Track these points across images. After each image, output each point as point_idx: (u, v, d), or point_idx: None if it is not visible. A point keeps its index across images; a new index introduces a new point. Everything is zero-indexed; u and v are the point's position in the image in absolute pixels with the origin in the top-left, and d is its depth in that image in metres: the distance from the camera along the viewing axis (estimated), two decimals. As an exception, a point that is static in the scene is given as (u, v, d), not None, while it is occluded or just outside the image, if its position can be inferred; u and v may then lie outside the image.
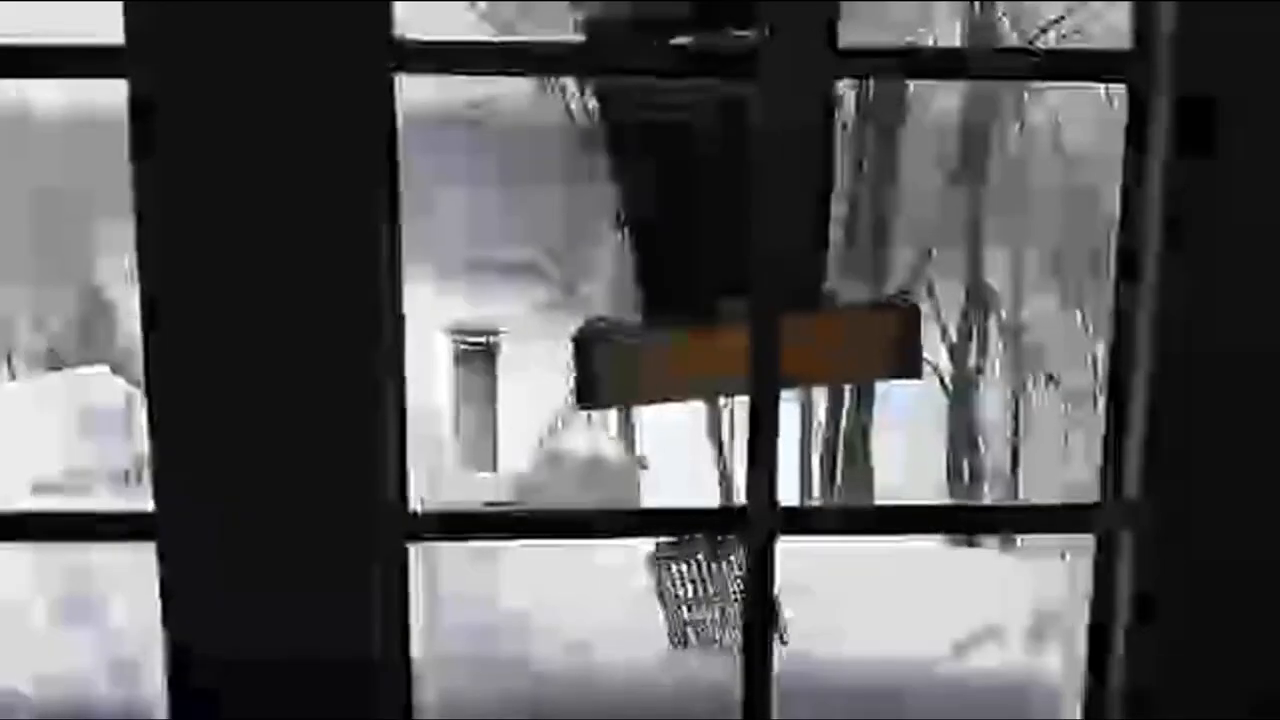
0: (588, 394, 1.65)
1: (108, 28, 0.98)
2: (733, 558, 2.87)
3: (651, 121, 1.62)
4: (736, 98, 1.57)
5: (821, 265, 1.76)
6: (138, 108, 0.93)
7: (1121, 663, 1.04)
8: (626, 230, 1.70)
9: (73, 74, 1.00)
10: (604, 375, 1.63)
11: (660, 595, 2.77)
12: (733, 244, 1.38)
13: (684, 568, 2.84)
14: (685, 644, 2.73)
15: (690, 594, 2.82)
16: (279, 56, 0.93)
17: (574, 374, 1.62)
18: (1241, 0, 0.96)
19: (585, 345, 1.62)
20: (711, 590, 2.84)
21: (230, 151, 0.94)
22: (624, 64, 1.28)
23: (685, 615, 2.81)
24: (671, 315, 1.67)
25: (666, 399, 1.76)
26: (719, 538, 2.87)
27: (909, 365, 1.79)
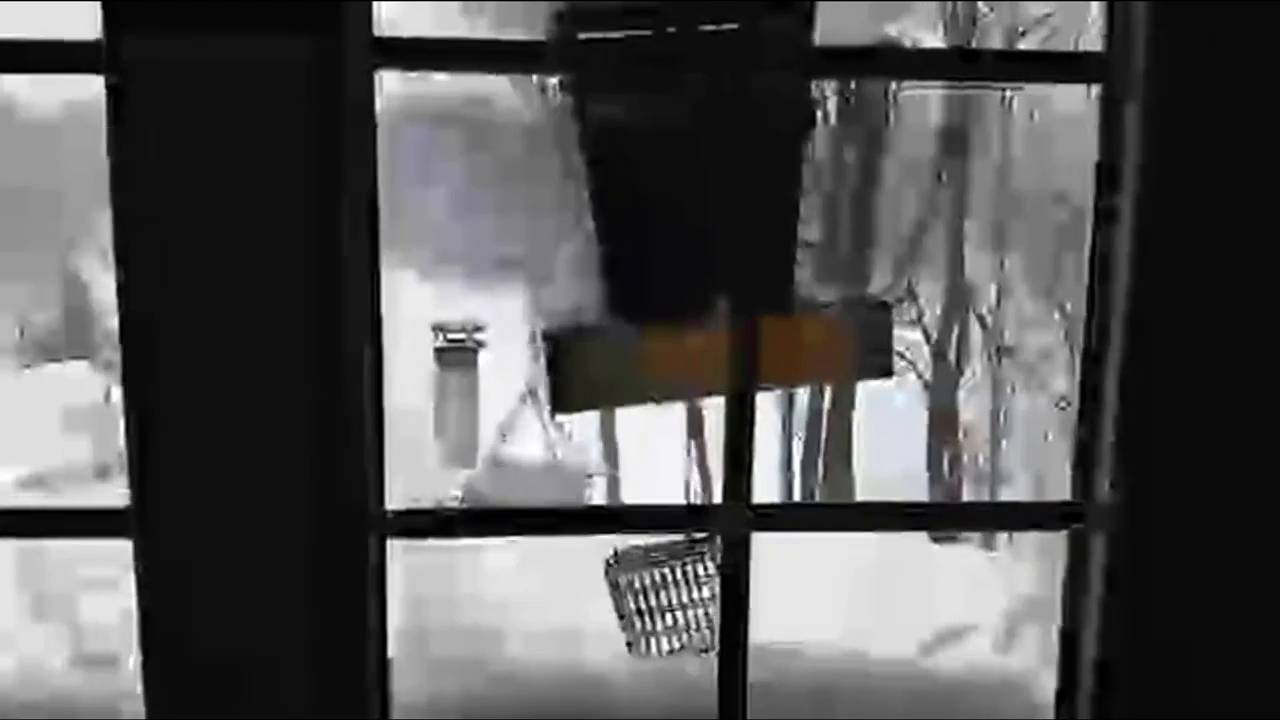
0: (564, 398, 1.63)
1: (83, 25, 0.98)
2: (700, 564, 2.87)
3: (626, 119, 1.61)
4: (710, 97, 1.57)
5: (791, 268, 1.76)
6: (117, 106, 0.93)
7: (1092, 660, 1.06)
8: (596, 229, 1.69)
9: (52, 70, 1.00)
10: (581, 378, 1.61)
11: (616, 604, 2.76)
12: (705, 246, 1.37)
13: (642, 576, 2.83)
14: (641, 652, 2.72)
15: (648, 604, 2.81)
16: (259, 51, 0.93)
17: (549, 378, 1.60)
18: (1213, 3, 0.97)
19: (561, 348, 1.60)
20: (673, 599, 2.83)
21: (210, 152, 0.94)
22: (601, 63, 1.28)
23: (642, 625, 2.80)
24: (642, 317, 1.66)
25: (641, 401, 1.74)
26: (685, 542, 2.87)
27: (879, 365, 1.79)
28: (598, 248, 1.69)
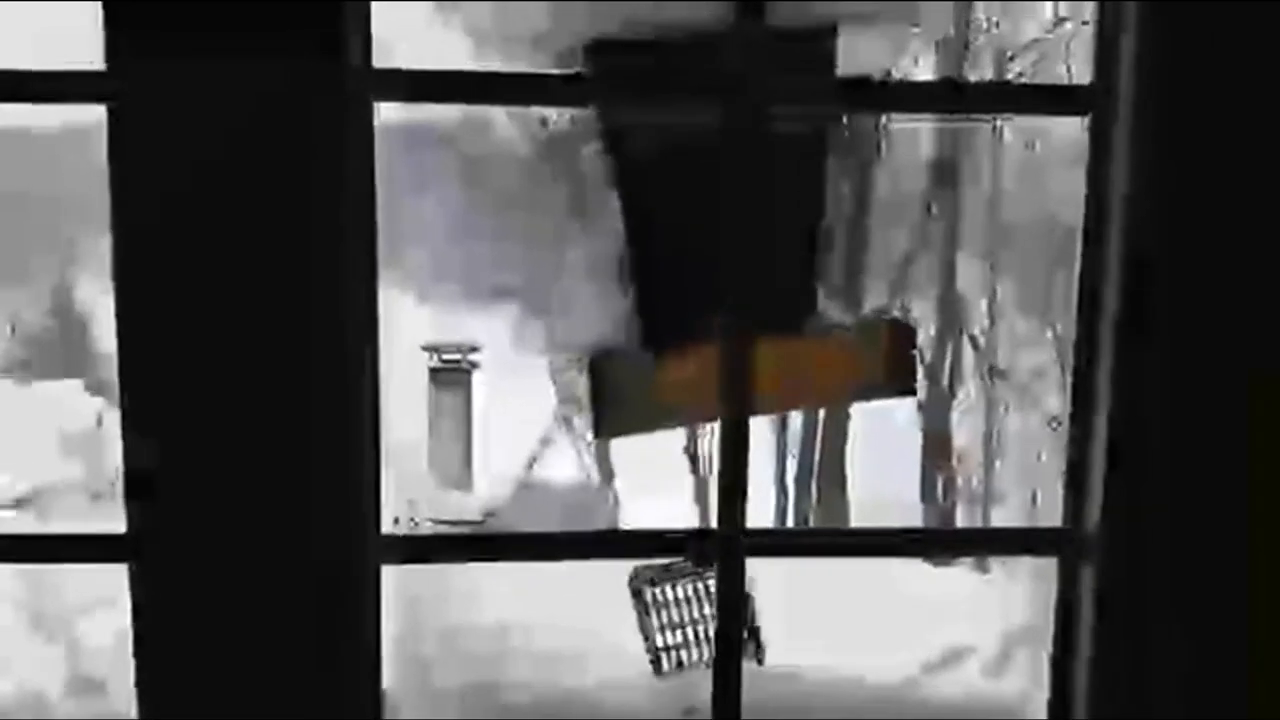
0: (607, 422, 1.65)
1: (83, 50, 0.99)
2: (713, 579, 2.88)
3: (660, 148, 1.64)
4: (736, 122, 1.59)
5: (814, 289, 1.79)
6: (118, 134, 0.94)
7: (1084, 689, 1.06)
8: (630, 257, 1.71)
9: (53, 100, 1.01)
10: (622, 403, 1.63)
11: (640, 620, 2.76)
12: (731, 268, 1.39)
13: (664, 591, 2.83)
14: (663, 669, 2.72)
15: (670, 618, 2.82)
16: (258, 80, 0.94)
17: (591, 403, 1.61)
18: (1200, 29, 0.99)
19: (602, 373, 1.62)
20: (694, 613, 2.83)
21: (208, 180, 0.95)
22: (606, 93, 1.29)
23: (665, 640, 2.80)
24: (675, 342, 1.68)
25: (683, 424, 1.76)
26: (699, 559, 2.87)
27: (905, 382, 1.82)
28: (630, 273, 1.71)
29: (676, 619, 2.82)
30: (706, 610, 2.84)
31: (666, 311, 1.72)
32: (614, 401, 1.64)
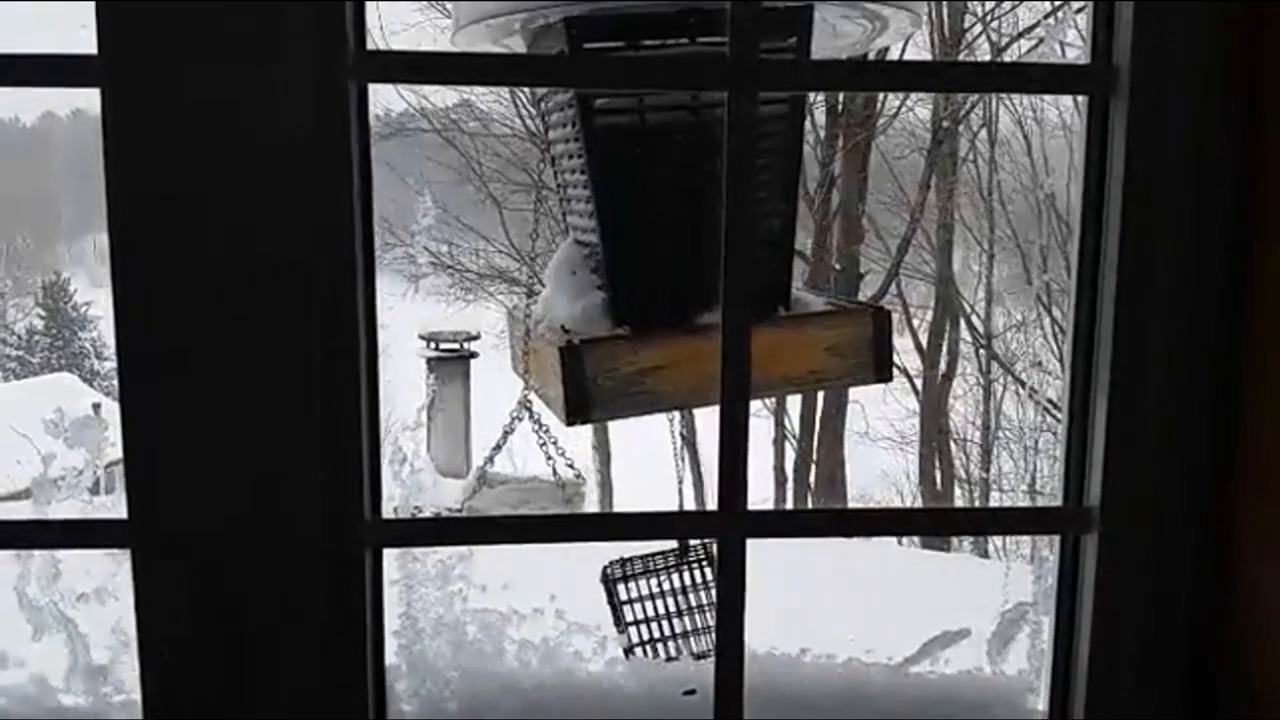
0: (579, 408, 1.62)
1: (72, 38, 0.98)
2: (697, 571, 2.87)
3: (629, 125, 1.62)
4: (712, 104, 1.58)
5: (788, 272, 1.77)
6: (112, 119, 0.93)
7: (1084, 668, 1.06)
8: (600, 236, 1.69)
9: (44, 84, 1.00)
10: (595, 388, 1.61)
11: (614, 612, 2.75)
12: (705, 251, 1.38)
13: (638, 585, 2.82)
14: (643, 658, 2.70)
15: (644, 613, 2.80)
16: (252, 65, 0.93)
17: (563, 389, 1.58)
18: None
19: (574, 358, 1.59)
20: (668, 607, 2.82)
21: (204, 162, 0.94)
22: (595, 75, 1.29)
23: (639, 635, 2.78)
24: (650, 326, 1.66)
25: (655, 410, 1.73)
26: (679, 551, 2.86)
27: (880, 369, 1.79)
28: (599, 255, 1.69)
29: (651, 613, 2.81)
30: (682, 604, 2.83)
31: (639, 296, 1.70)
32: (584, 387, 1.62)
